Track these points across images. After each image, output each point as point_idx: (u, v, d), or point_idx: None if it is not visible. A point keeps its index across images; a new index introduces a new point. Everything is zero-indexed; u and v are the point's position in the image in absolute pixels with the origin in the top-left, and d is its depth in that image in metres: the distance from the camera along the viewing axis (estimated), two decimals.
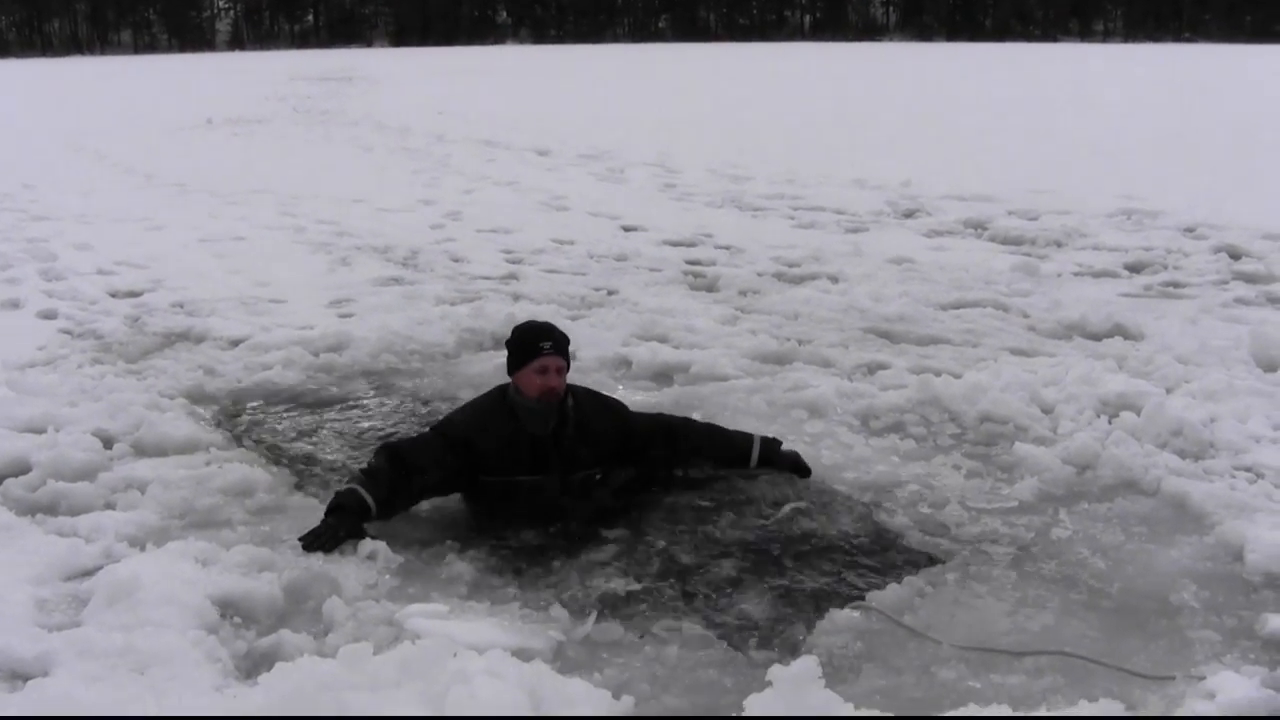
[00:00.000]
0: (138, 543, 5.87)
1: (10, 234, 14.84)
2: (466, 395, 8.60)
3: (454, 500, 6.56)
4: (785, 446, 6.96)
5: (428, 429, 6.60)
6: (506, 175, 20.90)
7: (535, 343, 6.38)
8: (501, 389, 6.55)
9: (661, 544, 6.06)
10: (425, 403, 8.54)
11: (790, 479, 6.80)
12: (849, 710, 3.98)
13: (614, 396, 7.01)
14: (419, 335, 9.95)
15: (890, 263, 13.28)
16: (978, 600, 5.45)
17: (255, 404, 8.54)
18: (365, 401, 8.63)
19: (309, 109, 37.10)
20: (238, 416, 8.26)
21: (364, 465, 6.34)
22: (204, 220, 16.20)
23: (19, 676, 4.64)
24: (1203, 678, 4.64)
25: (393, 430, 7.93)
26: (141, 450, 7.29)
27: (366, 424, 8.11)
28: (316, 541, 5.80)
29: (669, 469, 6.85)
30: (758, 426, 7.62)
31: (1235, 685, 4.48)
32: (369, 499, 6.00)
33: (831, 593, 5.53)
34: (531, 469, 6.35)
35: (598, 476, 6.57)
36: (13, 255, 13.43)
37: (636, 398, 8.41)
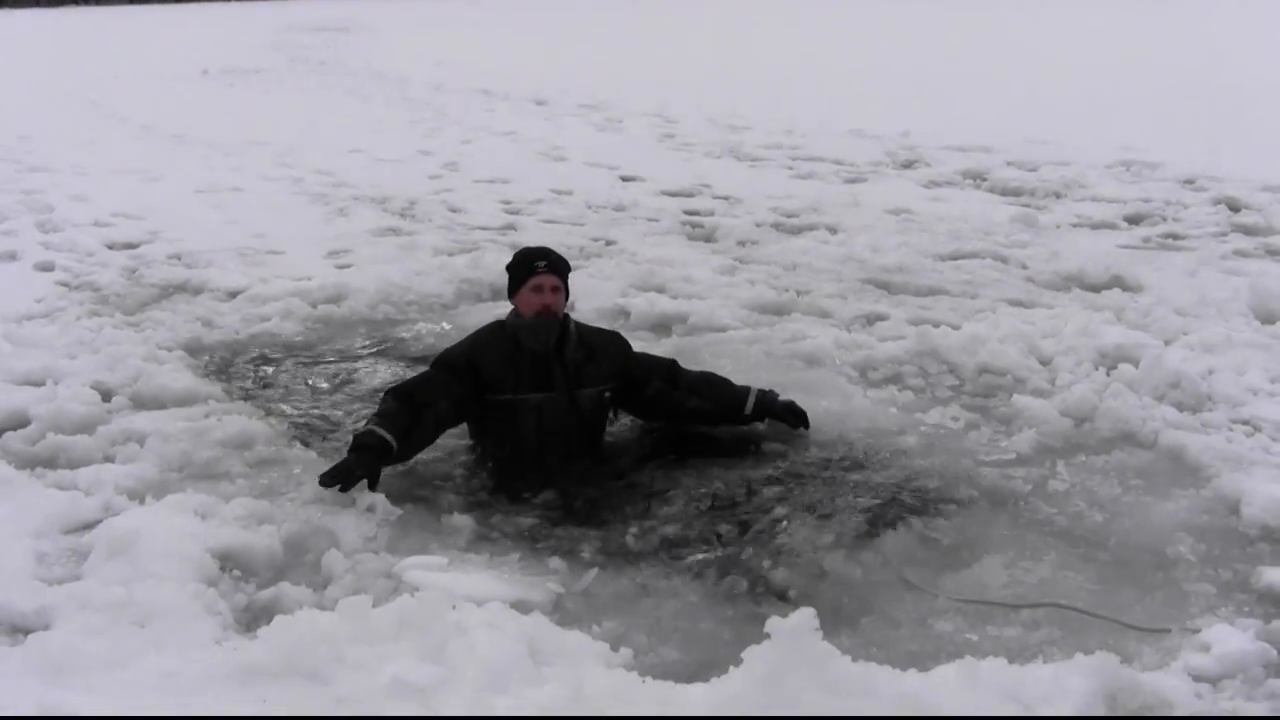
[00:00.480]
0: (137, 496, 5.88)
1: (6, 186, 14.79)
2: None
3: (455, 452, 6.58)
4: (782, 398, 6.94)
5: (428, 368, 6.59)
6: (505, 125, 20.83)
7: (530, 262, 6.46)
8: (499, 320, 6.58)
9: (663, 499, 6.07)
10: (422, 358, 8.54)
11: (789, 431, 6.80)
12: (845, 661, 4.00)
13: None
14: (417, 286, 9.94)
15: (889, 213, 13.25)
16: (974, 552, 5.46)
17: (254, 355, 8.54)
18: (364, 353, 8.62)
19: (306, 59, 36.93)
20: (236, 368, 8.25)
21: (375, 410, 6.31)
22: (201, 171, 16.15)
23: (19, 630, 4.66)
24: (1198, 630, 4.66)
25: (393, 380, 7.92)
26: (140, 403, 7.29)
27: (365, 375, 8.11)
28: (333, 478, 5.81)
29: (669, 414, 6.84)
30: (755, 378, 7.62)
31: (1230, 638, 4.50)
32: (388, 436, 5.97)
33: (830, 545, 5.54)
34: (535, 386, 6.37)
35: (606, 394, 6.60)
36: (9, 207, 13.39)
37: (636, 347, 8.40)
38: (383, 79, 29.23)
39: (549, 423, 6.37)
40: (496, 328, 6.51)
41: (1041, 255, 11.12)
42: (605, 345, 6.67)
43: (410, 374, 8.05)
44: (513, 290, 6.51)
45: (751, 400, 6.79)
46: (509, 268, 6.59)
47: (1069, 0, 53.74)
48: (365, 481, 5.85)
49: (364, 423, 6.22)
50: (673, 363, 6.93)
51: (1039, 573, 5.28)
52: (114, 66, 30.43)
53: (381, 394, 6.45)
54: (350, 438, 6.24)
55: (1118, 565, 5.34)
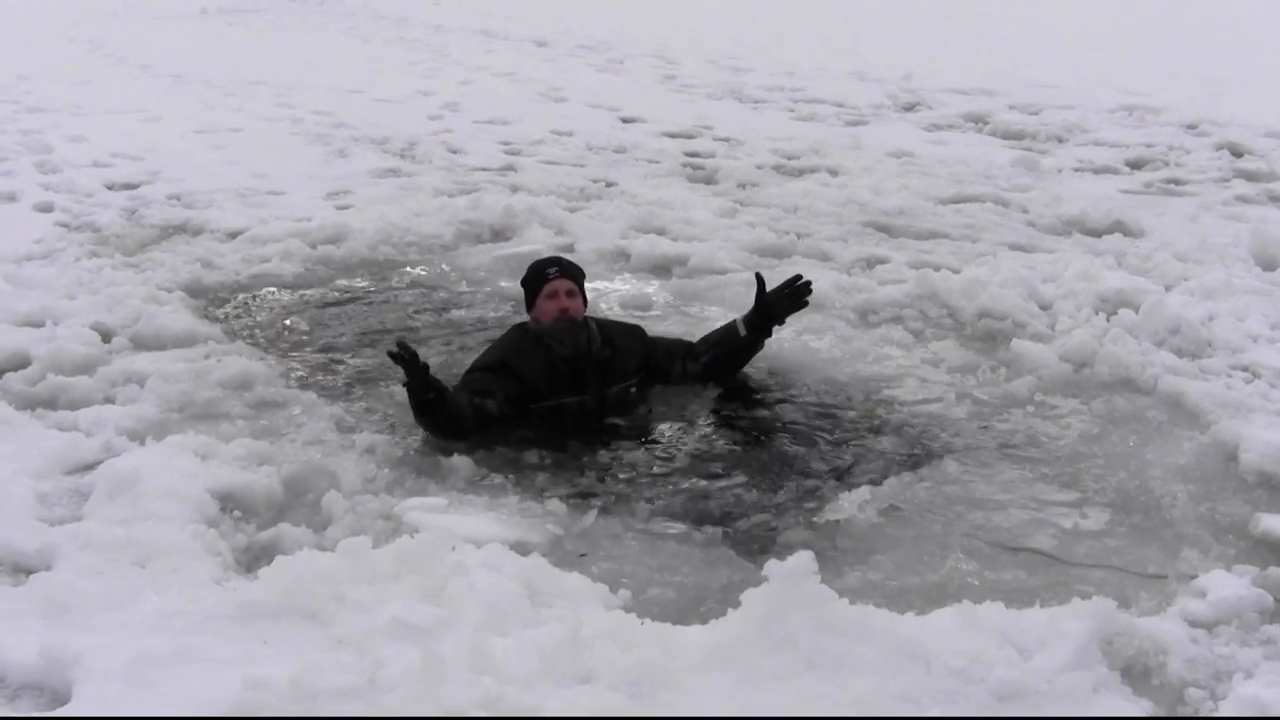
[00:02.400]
0: (137, 436, 5.90)
1: (4, 126, 14.70)
2: (464, 287, 8.62)
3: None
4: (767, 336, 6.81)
5: (465, 373, 6.42)
6: (505, 66, 20.70)
7: (542, 270, 6.43)
8: (520, 325, 6.54)
9: (665, 443, 6.09)
10: (424, 293, 8.53)
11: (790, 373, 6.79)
12: (844, 603, 4.02)
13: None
14: (417, 227, 9.91)
15: (890, 156, 13.20)
16: (974, 496, 5.48)
17: (254, 296, 8.53)
18: (364, 293, 8.61)
19: None
20: (236, 309, 8.25)
21: None
22: (200, 111, 16.06)
23: (21, 570, 4.69)
24: (1194, 576, 4.68)
25: (394, 326, 7.93)
26: (140, 343, 7.28)
27: (365, 315, 8.11)
28: (415, 397, 5.83)
29: (693, 383, 6.77)
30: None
31: (1226, 584, 4.52)
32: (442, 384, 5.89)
33: (829, 489, 5.56)
34: (570, 389, 6.29)
35: (632, 389, 6.54)
36: (8, 148, 13.32)
37: (638, 291, 8.43)
38: (382, 19, 29.03)
39: (586, 421, 6.30)
40: (520, 334, 6.45)
41: (1043, 199, 11.09)
42: (627, 340, 6.61)
43: (410, 313, 8.08)
44: (530, 302, 6.47)
45: (742, 323, 6.65)
46: (523, 282, 6.54)
47: None
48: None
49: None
50: (685, 342, 6.90)
51: (1037, 516, 5.30)
52: (112, 5, 30.18)
53: None
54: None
55: (1115, 510, 5.36)
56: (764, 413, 6.43)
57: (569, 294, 6.35)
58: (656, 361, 6.66)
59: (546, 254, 6.87)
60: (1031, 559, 4.95)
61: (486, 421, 6.06)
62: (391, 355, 5.67)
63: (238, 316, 8.10)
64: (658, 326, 7.76)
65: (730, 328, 6.70)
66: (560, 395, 6.26)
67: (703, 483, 5.66)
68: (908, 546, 5.05)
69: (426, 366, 5.73)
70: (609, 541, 5.08)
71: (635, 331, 6.76)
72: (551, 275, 6.37)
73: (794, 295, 6.59)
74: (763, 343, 6.75)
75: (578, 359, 6.31)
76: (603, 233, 9.80)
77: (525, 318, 6.57)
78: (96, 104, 16.48)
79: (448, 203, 10.68)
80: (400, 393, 6.15)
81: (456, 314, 8.19)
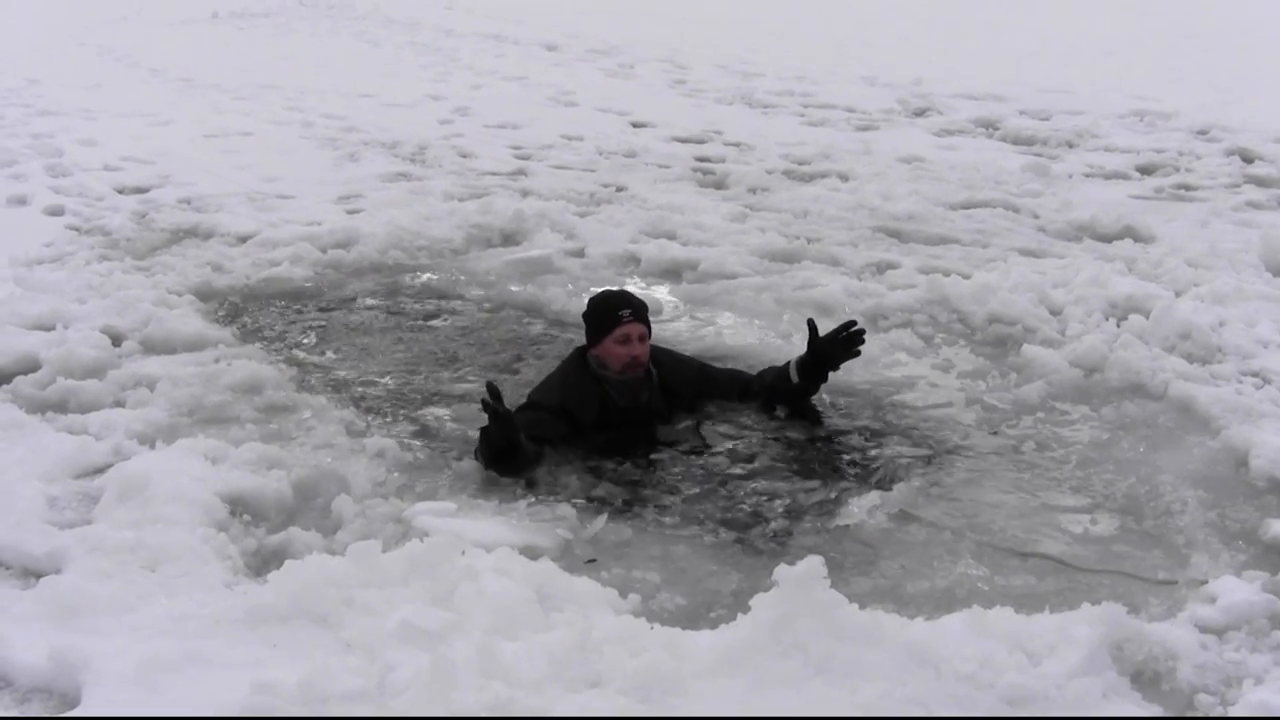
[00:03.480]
0: (147, 440, 5.90)
1: (16, 129, 14.72)
2: (474, 293, 8.60)
3: (465, 404, 6.61)
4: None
5: (519, 408, 6.08)
6: (515, 70, 20.70)
7: (614, 311, 6.10)
8: (580, 357, 6.26)
9: (674, 448, 6.09)
10: (433, 298, 8.54)
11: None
12: (853, 608, 4.02)
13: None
14: (427, 231, 9.91)
15: (900, 161, 13.19)
16: (983, 501, 5.48)
17: (263, 300, 8.53)
18: (373, 298, 8.62)
19: (316, 3, 36.75)
20: (246, 313, 8.26)
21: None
22: (211, 115, 16.07)
23: (31, 573, 4.69)
24: (1204, 581, 4.67)
25: (408, 332, 7.93)
26: (150, 347, 7.29)
27: (375, 320, 8.11)
28: (494, 442, 5.56)
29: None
30: (766, 325, 7.66)
31: (1236, 590, 4.51)
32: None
33: (839, 493, 5.56)
34: (626, 431, 6.11)
35: (680, 425, 6.31)
36: (19, 151, 13.33)
37: (642, 297, 8.42)
38: (393, 23, 29.04)
39: (637, 456, 6.08)
40: (580, 370, 6.20)
41: (1053, 205, 11.08)
42: (681, 381, 6.37)
43: (420, 317, 8.08)
44: (594, 339, 6.15)
45: (794, 368, 6.34)
46: (589, 316, 6.22)
47: None
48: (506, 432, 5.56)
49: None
50: (741, 374, 6.64)
51: (1048, 521, 5.30)
52: (123, 10, 30.21)
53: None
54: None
55: (1125, 515, 5.35)
56: (774, 418, 6.41)
57: (640, 339, 6.09)
58: (706, 393, 6.44)
59: (614, 288, 6.58)
60: (1041, 564, 4.94)
61: (531, 463, 5.80)
62: (484, 404, 5.47)
63: (248, 320, 8.10)
64: (667, 330, 7.78)
65: (783, 372, 6.41)
66: (610, 433, 6.08)
67: (712, 488, 5.66)
68: (917, 552, 5.05)
69: (510, 416, 5.58)
70: (619, 546, 5.08)
71: (690, 368, 6.52)
72: (624, 318, 6.06)
73: (848, 341, 6.26)
74: (817, 388, 6.46)
75: (634, 410, 6.17)
76: (613, 237, 9.80)
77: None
78: (107, 108, 16.49)
79: (458, 207, 10.69)
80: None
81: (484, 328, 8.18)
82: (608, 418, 6.10)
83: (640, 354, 6.10)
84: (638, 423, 6.17)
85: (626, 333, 6.05)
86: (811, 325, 6.30)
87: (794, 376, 6.33)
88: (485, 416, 5.52)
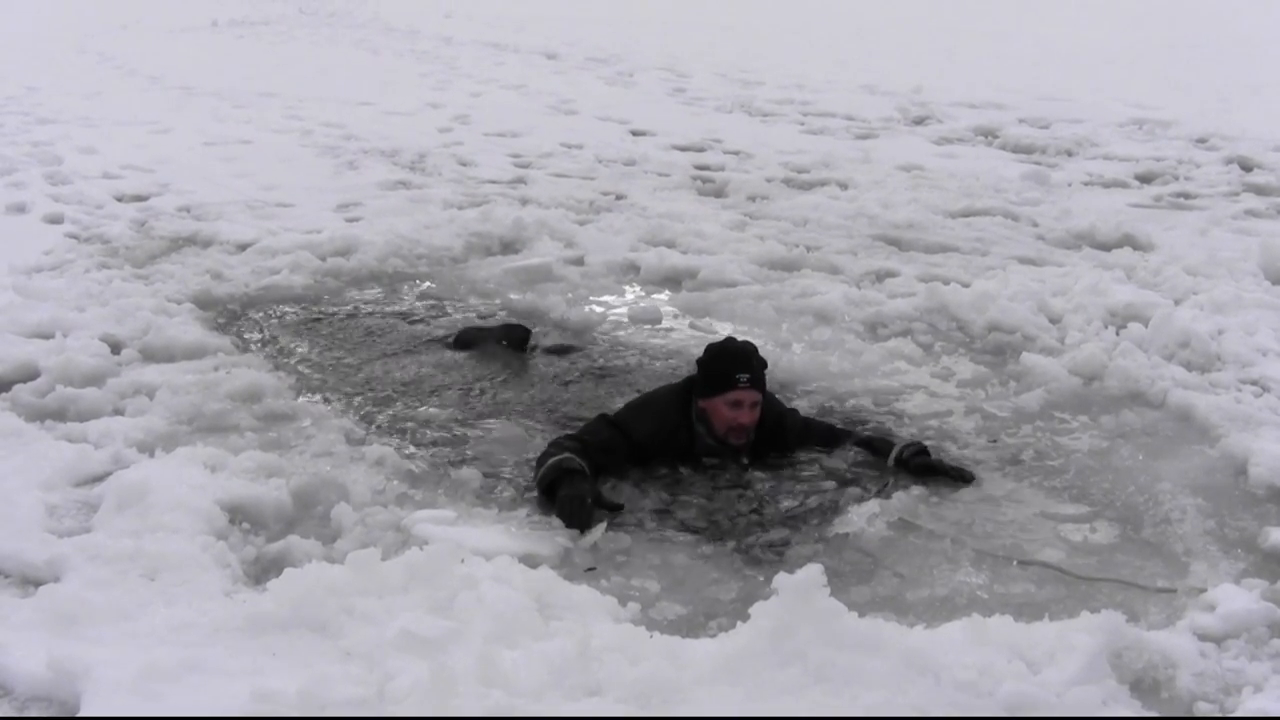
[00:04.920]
0: (147, 448, 5.89)
1: (15, 137, 14.73)
2: (474, 301, 8.60)
3: (467, 411, 6.62)
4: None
5: (600, 418, 5.97)
6: (515, 78, 20.74)
7: (731, 373, 5.78)
8: (683, 398, 5.97)
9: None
10: (433, 305, 8.53)
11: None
12: (853, 616, 4.02)
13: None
14: (426, 239, 9.91)
15: (900, 169, 13.21)
16: (983, 510, 5.47)
17: (263, 308, 8.53)
18: (373, 306, 8.61)
19: (315, 11, 36.77)
20: (245, 321, 8.25)
21: (550, 446, 5.73)
22: (210, 123, 16.09)
23: (30, 581, 4.69)
24: (1204, 590, 4.67)
25: (407, 339, 7.93)
26: (150, 355, 7.28)
27: (375, 328, 8.10)
28: (575, 520, 5.24)
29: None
30: (765, 333, 7.65)
31: (1235, 597, 4.51)
32: (582, 464, 5.52)
33: (838, 502, 5.56)
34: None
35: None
36: (18, 159, 13.33)
37: (641, 305, 8.44)
38: (392, 31, 29.09)
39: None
40: (681, 411, 5.93)
41: (1052, 213, 11.09)
42: (780, 441, 6.02)
43: (420, 325, 8.07)
44: (705, 393, 5.86)
45: (894, 456, 5.90)
46: (704, 366, 5.91)
47: None
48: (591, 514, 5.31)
49: (550, 459, 5.56)
50: (837, 436, 6.16)
51: (1047, 528, 5.30)
52: (122, 18, 30.25)
53: (553, 440, 5.84)
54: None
55: (1125, 523, 5.35)
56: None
57: (753, 405, 5.82)
58: (785, 441, 6.06)
59: (738, 339, 6.17)
60: (1041, 572, 4.94)
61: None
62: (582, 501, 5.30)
63: (247, 328, 8.08)
64: (667, 339, 7.79)
65: (883, 448, 5.97)
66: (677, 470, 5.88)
67: (711, 496, 5.65)
68: (917, 560, 5.04)
69: (594, 495, 5.39)
70: (618, 555, 5.08)
71: (794, 431, 6.09)
72: (741, 383, 5.76)
73: (950, 473, 5.81)
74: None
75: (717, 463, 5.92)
76: (612, 245, 9.80)
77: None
78: (107, 116, 16.51)
79: (457, 215, 10.69)
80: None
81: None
82: (683, 459, 5.90)
83: (749, 423, 5.84)
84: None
85: (740, 398, 5.78)
86: (934, 467, 5.82)
87: (890, 461, 5.89)
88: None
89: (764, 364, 5.95)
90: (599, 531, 5.18)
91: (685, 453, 5.91)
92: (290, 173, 13.03)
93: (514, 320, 7.95)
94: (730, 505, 5.56)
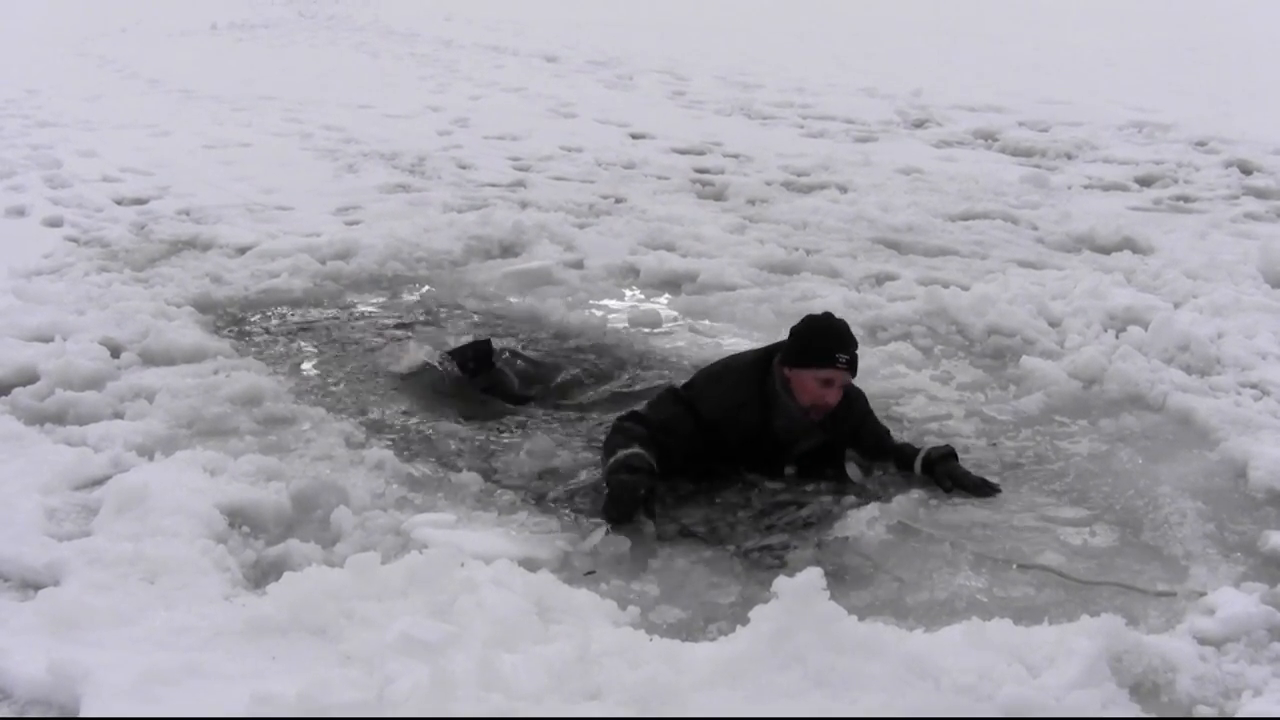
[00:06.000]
0: (146, 452, 5.89)
1: (15, 140, 14.71)
2: (473, 304, 8.59)
3: (468, 412, 6.64)
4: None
5: (669, 392, 5.87)
6: (514, 81, 20.73)
7: (832, 350, 5.65)
8: (762, 366, 5.83)
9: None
10: (431, 310, 8.53)
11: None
12: (852, 620, 4.02)
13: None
14: (426, 243, 9.91)
15: (899, 173, 13.21)
16: (982, 513, 5.47)
17: (262, 311, 8.53)
18: (373, 309, 8.62)
19: (315, 14, 36.76)
20: (245, 324, 8.25)
21: (617, 432, 5.66)
22: (210, 126, 16.09)
23: (30, 585, 4.69)
24: (1203, 593, 4.67)
25: (405, 336, 7.93)
26: (149, 359, 7.28)
27: (374, 332, 8.11)
28: (617, 506, 5.31)
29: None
30: (765, 336, 7.64)
31: (1235, 601, 4.51)
32: (651, 459, 5.46)
33: (839, 504, 5.56)
34: (761, 464, 5.83)
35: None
36: (17, 162, 13.32)
37: (644, 307, 8.44)
38: (392, 34, 29.07)
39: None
40: (755, 381, 5.78)
41: (1052, 216, 11.09)
42: (848, 426, 5.92)
43: (418, 326, 8.07)
44: (795, 361, 5.69)
45: (920, 462, 5.87)
46: (805, 335, 5.74)
47: None
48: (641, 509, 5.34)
49: (617, 447, 5.54)
50: (885, 446, 6.04)
51: (1047, 532, 5.30)
52: (122, 21, 30.22)
53: (620, 418, 5.77)
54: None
55: (1124, 527, 5.35)
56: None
57: (840, 387, 5.69)
58: (853, 446, 5.99)
59: (837, 316, 5.93)
60: (1040, 576, 4.94)
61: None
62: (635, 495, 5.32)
63: (247, 332, 8.08)
64: (666, 343, 7.79)
65: (910, 454, 5.91)
66: (747, 466, 5.81)
67: (711, 499, 5.65)
68: (916, 564, 5.04)
69: (649, 490, 5.38)
70: (617, 558, 5.08)
71: (859, 419, 5.99)
72: (840, 363, 5.62)
73: (974, 487, 5.72)
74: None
75: (788, 445, 5.84)
76: (612, 249, 9.80)
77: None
78: (106, 119, 16.51)
79: (457, 218, 10.69)
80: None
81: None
82: (760, 445, 5.78)
83: (834, 402, 5.71)
84: (786, 454, 5.85)
85: (831, 378, 5.64)
86: (964, 481, 5.74)
87: (917, 468, 5.83)
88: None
89: (857, 347, 5.78)
90: (599, 535, 5.18)
91: (755, 430, 5.74)
92: (290, 176, 13.03)
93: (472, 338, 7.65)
94: (730, 509, 5.56)
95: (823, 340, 5.69)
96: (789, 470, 5.86)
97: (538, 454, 6.08)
